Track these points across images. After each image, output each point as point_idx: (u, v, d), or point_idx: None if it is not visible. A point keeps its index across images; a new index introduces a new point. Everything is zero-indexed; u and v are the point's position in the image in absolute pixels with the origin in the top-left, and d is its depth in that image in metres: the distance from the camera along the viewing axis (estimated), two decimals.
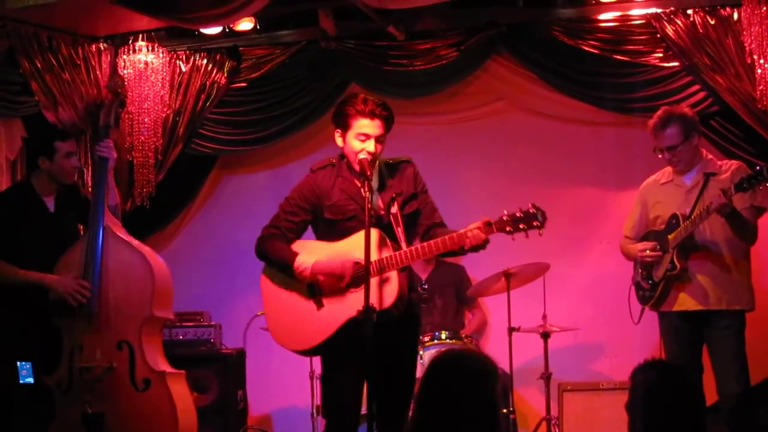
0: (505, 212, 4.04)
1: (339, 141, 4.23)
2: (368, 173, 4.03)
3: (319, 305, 4.16)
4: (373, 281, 3.96)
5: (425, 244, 4.09)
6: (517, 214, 4.01)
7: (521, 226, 4.00)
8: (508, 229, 4.01)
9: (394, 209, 4.14)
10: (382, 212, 4.17)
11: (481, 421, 2.80)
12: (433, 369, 2.90)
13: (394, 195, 4.16)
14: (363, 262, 3.96)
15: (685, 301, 4.96)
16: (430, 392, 2.85)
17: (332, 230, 4.22)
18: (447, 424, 2.78)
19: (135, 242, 4.95)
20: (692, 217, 4.84)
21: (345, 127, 4.18)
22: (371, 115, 4.14)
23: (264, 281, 4.32)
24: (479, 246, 4.06)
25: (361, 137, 4.14)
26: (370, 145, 4.13)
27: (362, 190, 4.11)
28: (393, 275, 4.06)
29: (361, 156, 4.12)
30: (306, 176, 4.32)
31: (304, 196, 4.25)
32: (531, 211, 4.00)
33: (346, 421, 4.18)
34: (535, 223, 3.99)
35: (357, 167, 4.14)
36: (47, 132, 5.62)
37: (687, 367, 4.42)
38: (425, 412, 2.83)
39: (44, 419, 4.66)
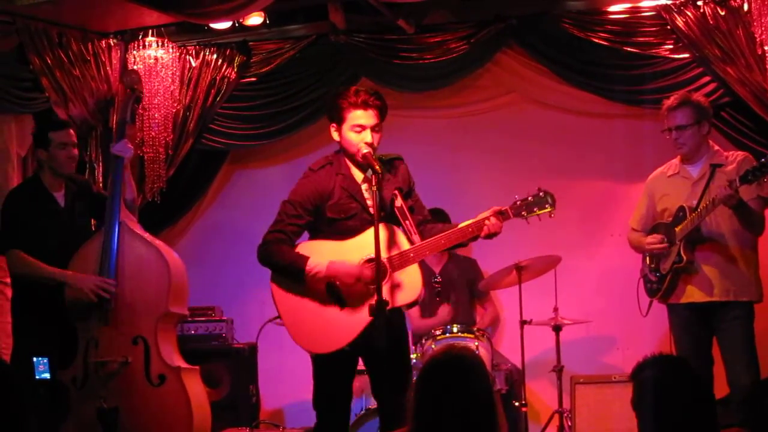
0: (517, 197, 4.14)
1: (335, 135, 4.22)
2: (376, 167, 3.99)
3: (342, 306, 4.10)
4: (396, 276, 4.01)
5: (443, 234, 4.09)
6: (529, 198, 4.11)
7: (535, 210, 4.10)
8: (523, 213, 4.10)
9: (399, 203, 4.12)
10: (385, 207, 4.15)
11: (475, 417, 2.80)
12: (422, 377, 2.92)
13: (395, 189, 4.13)
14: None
15: (692, 293, 4.97)
16: (423, 398, 2.87)
17: (332, 230, 4.18)
18: (444, 425, 2.79)
19: (150, 238, 4.96)
20: (699, 209, 4.84)
21: (340, 121, 4.17)
22: (364, 105, 4.13)
23: (275, 289, 4.23)
24: (495, 233, 4.10)
25: (357, 129, 4.13)
26: (367, 136, 4.13)
27: (364, 186, 4.13)
28: (414, 269, 4.06)
29: (365, 150, 4.10)
30: (305, 176, 4.27)
31: (308, 198, 4.19)
32: (540, 194, 4.12)
33: (338, 411, 4.19)
34: (546, 206, 4.11)
35: (361, 160, 4.13)
36: (42, 124, 5.55)
37: (690, 359, 4.42)
38: (422, 418, 2.85)
39: (60, 414, 4.68)
